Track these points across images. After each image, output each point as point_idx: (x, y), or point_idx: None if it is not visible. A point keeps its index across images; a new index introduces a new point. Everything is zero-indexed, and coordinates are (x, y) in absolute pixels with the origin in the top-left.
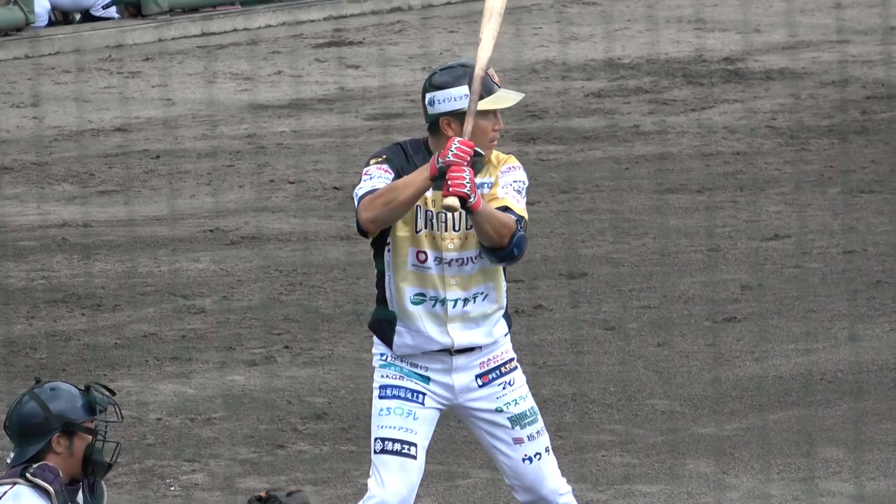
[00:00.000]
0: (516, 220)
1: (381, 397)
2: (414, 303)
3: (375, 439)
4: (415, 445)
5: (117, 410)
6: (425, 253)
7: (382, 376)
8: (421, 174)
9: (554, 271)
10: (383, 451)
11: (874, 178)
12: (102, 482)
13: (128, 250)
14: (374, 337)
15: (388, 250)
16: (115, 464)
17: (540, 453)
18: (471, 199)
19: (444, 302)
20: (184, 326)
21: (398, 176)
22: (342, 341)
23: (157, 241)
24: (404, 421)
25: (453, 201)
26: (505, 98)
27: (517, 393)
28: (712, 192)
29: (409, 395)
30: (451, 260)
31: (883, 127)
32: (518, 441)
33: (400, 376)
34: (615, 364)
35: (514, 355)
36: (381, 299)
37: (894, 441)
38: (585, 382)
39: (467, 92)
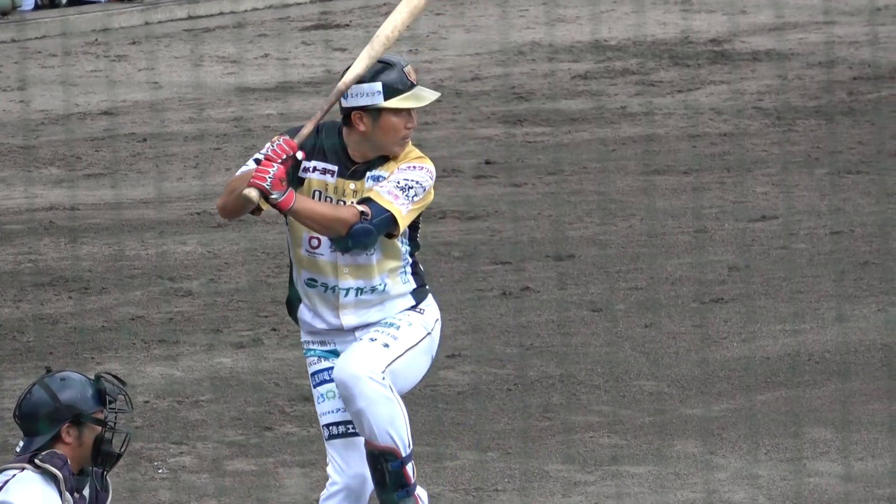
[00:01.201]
0: (360, 213)
1: (313, 385)
2: (308, 286)
3: (321, 427)
4: None
5: (128, 400)
6: (318, 239)
7: (308, 364)
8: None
9: (541, 253)
10: (330, 437)
11: (861, 159)
12: (110, 483)
13: (115, 233)
14: None
15: (287, 229)
16: (125, 454)
17: (374, 339)
18: (273, 196)
19: (335, 289)
20: (171, 309)
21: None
22: None
23: (145, 224)
24: (338, 402)
25: (249, 192)
26: (418, 96)
27: (395, 320)
28: (699, 174)
29: (332, 375)
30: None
31: (870, 108)
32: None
33: (318, 359)
34: (602, 345)
35: (428, 312)
36: (290, 277)
37: (882, 421)
38: (573, 364)
39: (380, 89)
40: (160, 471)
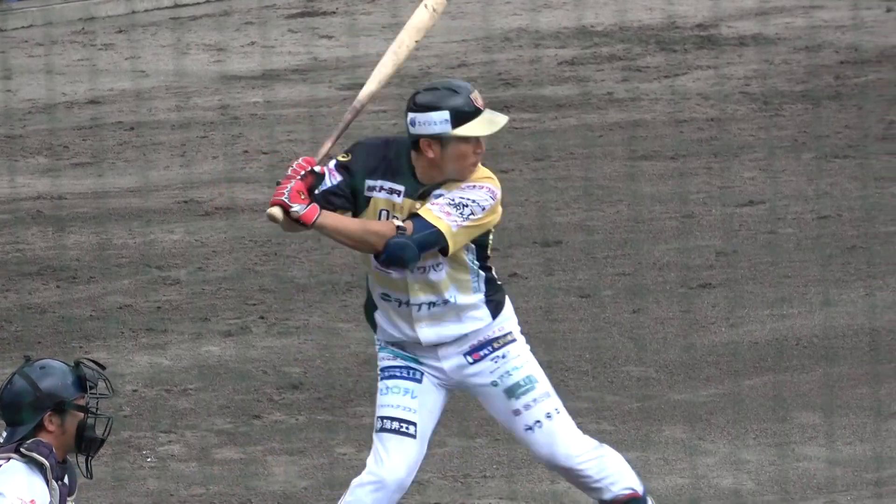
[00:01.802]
0: (396, 227)
1: (380, 378)
2: (382, 299)
3: (376, 418)
4: (414, 424)
5: (108, 385)
6: None
7: (380, 359)
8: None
9: (528, 239)
10: (382, 430)
11: (848, 143)
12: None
13: (102, 222)
14: None
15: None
16: (107, 439)
17: (540, 421)
18: (293, 209)
19: (408, 304)
20: (159, 298)
21: (348, 178)
22: (317, 311)
23: (132, 213)
24: (402, 399)
25: (272, 210)
26: (488, 121)
27: (510, 364)
28: (686, 159)
29: (405, 374)
30: (414, 267)
31: (856, 92)
32: (516, 412)
33: (394, 357)
34: (590, 331)
35: (512, 329)
36: (367, 284)
37: (869, 406)
38: (560, 350)
39: (447, 117)
40: (148, 459)
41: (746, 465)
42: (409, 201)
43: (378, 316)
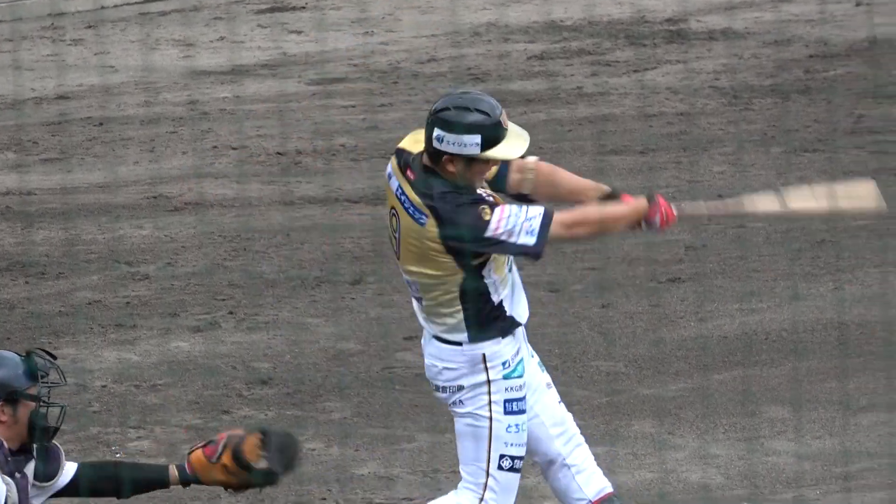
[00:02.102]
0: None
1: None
2: (508, 287)
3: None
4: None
5: (60, 374)
6: None
7: (515, 387)
8: (636, 210)
9: None
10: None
11: (817, 137)
12: (61, 450)
13: (71, 218)
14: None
15: (489, 269)
16: (61, 427)
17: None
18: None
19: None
20: (128, 293)
21: None
22: (286, 306)
23: (100, 209)
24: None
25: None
26: (515, 142)
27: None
28: (655, 153)
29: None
30: None
31: (826, 86)
32: (549, 385)
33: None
34: (559, 326)
35: None
36: (493, 317)
37: (838, 400)
38: (533, 345)
39: (478, 141)
40: (118, 455)
41: (715, 460)
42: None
43: (512, 310)
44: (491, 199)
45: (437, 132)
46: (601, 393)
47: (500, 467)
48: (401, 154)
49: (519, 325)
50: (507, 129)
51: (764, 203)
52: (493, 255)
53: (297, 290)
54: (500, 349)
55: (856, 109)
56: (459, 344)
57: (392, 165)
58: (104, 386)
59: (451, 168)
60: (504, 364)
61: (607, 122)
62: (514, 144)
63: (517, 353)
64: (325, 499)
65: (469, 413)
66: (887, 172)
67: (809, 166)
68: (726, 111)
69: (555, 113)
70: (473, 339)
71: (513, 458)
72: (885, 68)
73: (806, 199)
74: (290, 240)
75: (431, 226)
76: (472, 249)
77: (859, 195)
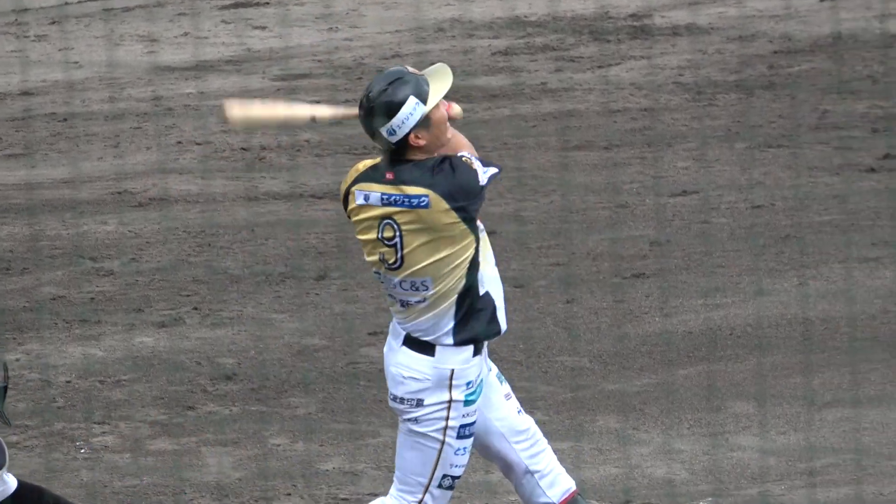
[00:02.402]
0: None
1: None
2: (494, 282)
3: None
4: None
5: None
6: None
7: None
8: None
9: None
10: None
11: (781, 133)
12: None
13: (35, 213)
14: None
15: (478, 259)
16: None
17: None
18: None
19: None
20: (92, 289)
21: None
22: (251, 302)
23: (64, 204)
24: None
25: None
26: (440, 77)
27: None
28: (619, 149)
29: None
30: None
31: (790, 81)
32: (507, 395)
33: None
34: (523, 321)
35: None
36: (478, 309)
37: (802, 395)
38: (494, 340)
39: (416, 101)
40: (82, 451)
41: (680, 455)
42: None
43: (498, 311)
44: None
45: (385, 127)
46: (566, 388)
47: (440, 486)
48: (361, 178)
49: (496, 331)
50: (423, 75)
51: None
52: (478, 242)
53: (261, 286)
54: (467, 369)
55: (820, 105)
56: (433, 354)
57: (358, 190)
58: (69, 381)
59: (420, 142)
60: (468, 384)
61: (571, 118)
62: (441, 79)
63: (478, 375)
64: (289, 494)
65: (423, 433)
66: (851, 168)
67: (773, 162)
68: (690, 107)
69: (519, 108)
70: (456, 334)
71: (454, 477)
72: (849, 64)
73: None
74: (254, 235)
75: (437, 201)
76: (477, 203)
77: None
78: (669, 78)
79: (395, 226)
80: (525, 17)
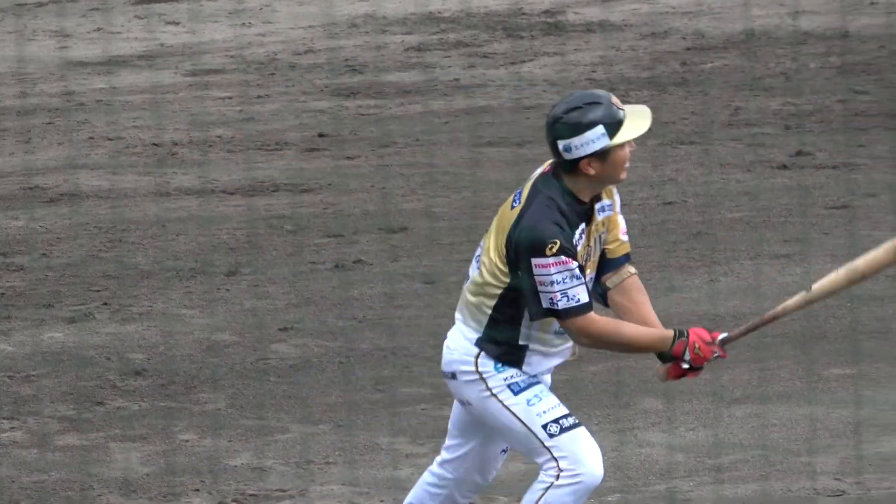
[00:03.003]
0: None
1: (524, 388)
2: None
3: (550, 422)
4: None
5: None
6: None
7: (508, 376)
8: (656, 343)
9: (373, 226)
10: (571, 427)
11: (694, 130)
12: None
13: None
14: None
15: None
16: None
17: None
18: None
19: None
20: (2, 284)
21: (575, 255)
22: (161, 297)
23: None
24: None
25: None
26: (637, 119)
27: None
28: (532, 145)
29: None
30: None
31: (703, 78)
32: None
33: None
34: (435, 317)
35: None
36: (508, 343)
37: (711, 391)
38: (405, 336)
39: (603, 131)
40: None
41: None
42: (588, 230)
43: (532, 351)
44: (580, 245)
45: (562, 144)
46: None
47: (550, 435)
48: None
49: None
50: (623, 111)
51: (793, 301)
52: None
53: (171, 282)
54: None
55: (732, 101)
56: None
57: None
58: None
59: (591, 171)
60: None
61: (484, 114)
62: (637, 122)
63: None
64: (197, 490)
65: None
66: (763, 165)
67: (686, 158)
68: None
69: (432, 105)
70: (480, 342)
71: (556, 420)
72: (762, 60)
73: (829, 280)
74: (165, 231)
75: (513, 213)
76: (511, 258)
77: (879, 257)
78: (582, 74)
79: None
80: (438, 13)
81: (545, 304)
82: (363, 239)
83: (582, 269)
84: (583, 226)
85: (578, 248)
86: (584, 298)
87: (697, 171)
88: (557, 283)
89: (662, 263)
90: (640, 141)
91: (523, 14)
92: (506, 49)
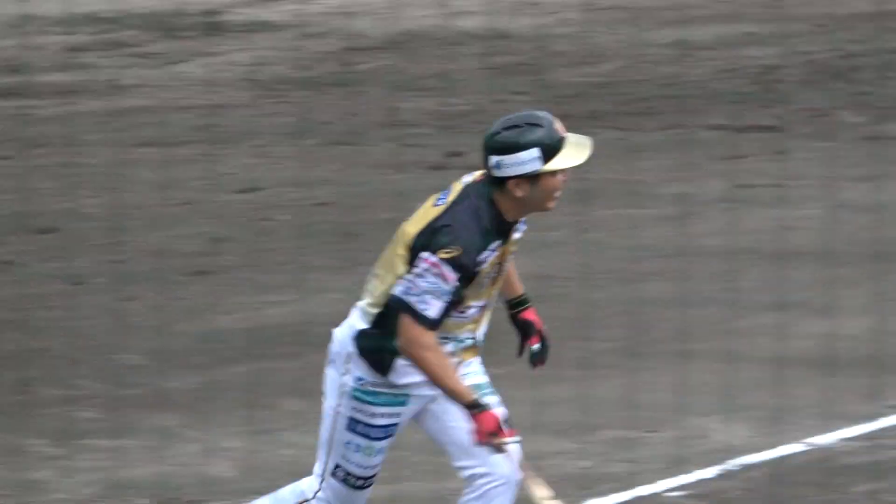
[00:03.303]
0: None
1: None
2: (459, 315)
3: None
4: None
5: None
6: (473, 305)
7: (378, 414)
8: (454, 395)
9: (24, 226)
10: None
11: (350, 130)
12: None
13: None
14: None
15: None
16: None
17: None
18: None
19: (486, 306)
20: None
21: (463, 272)
22: None
23: None
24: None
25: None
26: (576, 150)
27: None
28: (189, 146)
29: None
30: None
31: (360, 78)
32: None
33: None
34: (83, 318)
35: None
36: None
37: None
38: (52, 337)
39: (538, 154)
40: None
41: (233, 453)
42: (501, 248)
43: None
44: (487, 262)
45: (494, 159)
46: (123, 386)
47: (332, 472)
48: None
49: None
50: (565, 138)
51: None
52: None
53: None
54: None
55: (389, 102)
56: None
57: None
58: None
59: (518, 193)
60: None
61: (142, 114)
62: (575, 152)
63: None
64: None
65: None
66: (418, 166)
67: (342, 159)
68: (260, 103)
69: (91, 105)
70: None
71: (348, 473)
72: (421, 62)
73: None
74: None
75: (436, 210)
76: (415, 247)
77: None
78: (240, 74)
79: None
80: (99, 13)
81: (399, 290)
82: (14, 240)
83: (459, 291)
84: (498, 242)
85: (485, 266)
86: (433, 315)
87: (353, 171)
88: (425, 285)
89: (316, 265)
90: (294, 141)
91: (183, 14)
92: (164, 49)
